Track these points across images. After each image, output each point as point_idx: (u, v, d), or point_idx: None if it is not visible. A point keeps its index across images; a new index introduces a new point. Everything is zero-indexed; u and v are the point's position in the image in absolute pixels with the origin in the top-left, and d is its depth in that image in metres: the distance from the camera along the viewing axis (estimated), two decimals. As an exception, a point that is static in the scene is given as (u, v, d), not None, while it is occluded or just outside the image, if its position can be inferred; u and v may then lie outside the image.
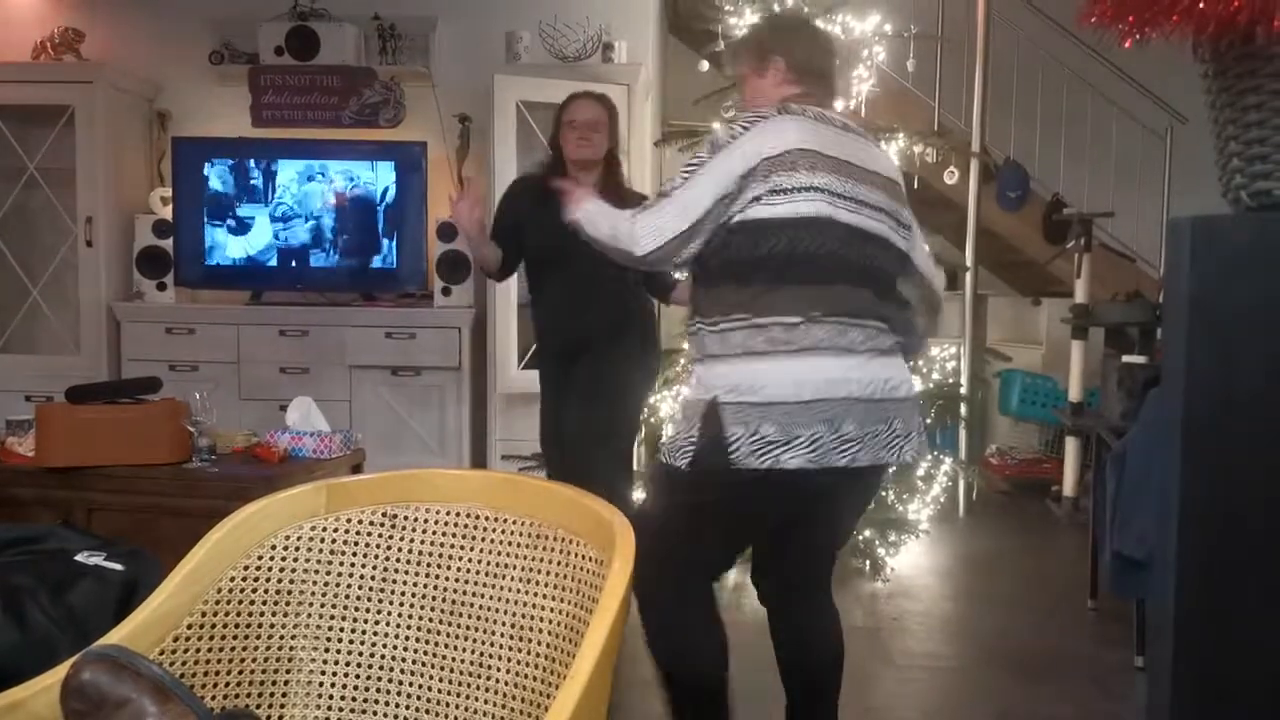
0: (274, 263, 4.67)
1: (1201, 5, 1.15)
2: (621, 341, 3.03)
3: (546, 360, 3.18)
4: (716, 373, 1.80)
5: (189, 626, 1.39)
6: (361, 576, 1.50)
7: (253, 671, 1.44)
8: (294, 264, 4.67)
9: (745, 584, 2.24)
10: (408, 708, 1.46)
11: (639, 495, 3.08)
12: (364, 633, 1.48)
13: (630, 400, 3.06)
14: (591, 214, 1.96)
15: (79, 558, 1.89)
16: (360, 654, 1.48)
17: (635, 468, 3.47)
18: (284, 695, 1.46)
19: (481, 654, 1.42)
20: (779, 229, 1.78)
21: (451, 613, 1.46)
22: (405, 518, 1.51)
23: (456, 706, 1.43)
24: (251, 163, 4.65)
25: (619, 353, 3.02)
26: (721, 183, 1.79)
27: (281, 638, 1.46)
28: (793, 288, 1.79)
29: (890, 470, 1.95)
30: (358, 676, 1.47)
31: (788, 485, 1.77)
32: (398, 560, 1.50)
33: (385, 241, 4.66)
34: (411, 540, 1.50)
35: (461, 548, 1.48)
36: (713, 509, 1.85)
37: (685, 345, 1.97)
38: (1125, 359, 3.38)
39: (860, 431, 1.78)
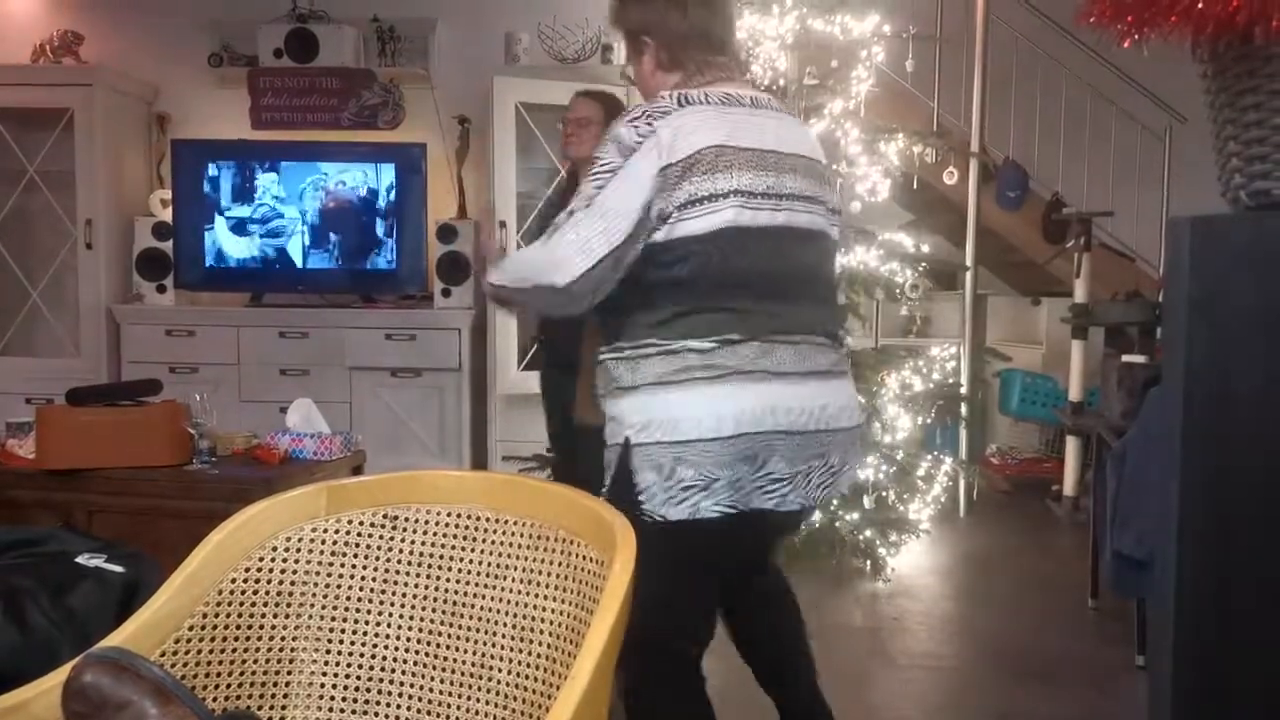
0: (274, 265, 4.67)
1: (1200, 5, 1.15)
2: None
3: (546, 371, 3.17)
4: (625, 408, 1.59)
5: (190, 628, 1.39)
6: (362, 578, 1.50)
7: (254, 673, 1.44)
8: (294, 266, 4.67)
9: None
10: (409, 709, 1.46)
11: None
12: (365, 634, 1.48)
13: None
14: (504, 269, 1.67)
15: (80, 560, 1.89)
16: (361, 655, 1.48)
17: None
18: (285, 697, 1.46)
19: (482, 655, 1.42)
20: (694, 244, 1.56)
21: (452, 614, 1.46)
22: (406, 519, 1.51)
23: (458, 708, 1.43)
24: (251, 165, 4.65)
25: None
26: (644, 185, 1.54)
27: (282, 639, 1.46)
28: (710, 308, 1.57)
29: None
30: (359, 678, 1.47)
31: (706, 536, 1.56)
32: (398, 562, 1.50)
33: (385, 243, 4.66)
34: (412, 542, 1.50)
35: (462, 549, 1.48)
36: (657, 571, 1.43)
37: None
38: (1125, 358, 3.38)
39: (790, 470, 1.57)
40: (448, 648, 1.45)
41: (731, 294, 1.58)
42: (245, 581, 1.45)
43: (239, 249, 4.67)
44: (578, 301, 1.59)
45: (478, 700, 1.42)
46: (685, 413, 1.54)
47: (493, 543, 1.47)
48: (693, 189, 1.54)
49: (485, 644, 1.43)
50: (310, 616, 1.48)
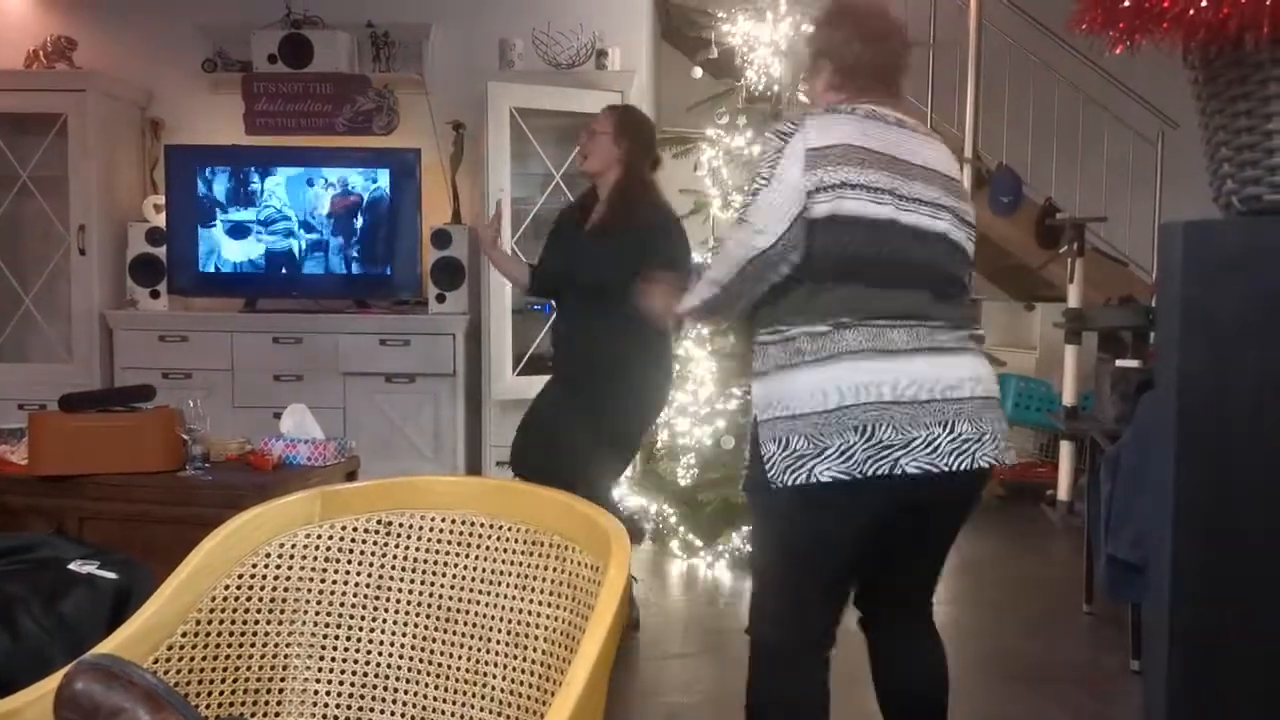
0: (267, 270, 4.66)
1: (1191, 12, 1.16)
2: (575, 387, 3.05)
3: (552, 381, 3.22)
4: (756, 392, 1.76)
5: (183, 635, 1.38)
6: (356, 584, 1.49)
7: (247, 680, 1.43)
8: (287, 271, 4.67)
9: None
10: (403, 715, 1.45)
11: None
12: (359, 640, 1.48)
13: (568, 440, 3.00)
14: (703, 285, 1.85)
15: (72, 566, 1.88)
16: (355, 662, 1.47)
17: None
18: (278, 704, 1.45)
19: (477, 661, 1.42)
20: (821, 230, 1.69)
21: (447, 620, 1.46)
22: (400, 525, 1.51)
23: (452, 714, 1.43)
24: (245, 170, 4.65)
25: (583, 394, 3.01)
26: (802, 166, 1.69)
27: (276, 646, 1.46)
28: (827, 293, 1.70)
29: (975, 479, 1.76)
30: (352, 684, 1.47)
31: (826, 501, 1.68)
32: (392, 568, 1.49)
33: (379, 248, 4.66)
34: (406, 547, 1.50)
35: (456, 555, 1.48)
36: (780, 535, 1.78)
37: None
38: (1119, 363, 3.39)
39: (900, 437, 1.65)
40: (442, 654, 1.45)
41: (848, 278, 1.70)
42: (238, 588, 1.44)
43: (233, 254, 4.67)
44: (778, 269, 1.73)
45: (472, 706, 1.41)
46: (797, 390, 1.68)
47: (487, 548, 1.46)
48: (819, 178, 1.68)
49: (479, 650, 1.42)
50: (304, 623, 1.47)
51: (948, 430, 1.68)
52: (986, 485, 1.84)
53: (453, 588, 1.47)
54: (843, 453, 1.65)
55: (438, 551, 1.49)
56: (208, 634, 1.40)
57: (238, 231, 4.66)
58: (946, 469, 1.68)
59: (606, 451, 3.06)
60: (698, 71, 4.77)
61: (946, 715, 1.95)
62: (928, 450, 1.67)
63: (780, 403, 1.70)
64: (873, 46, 1.85)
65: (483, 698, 1.40)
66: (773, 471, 1.69)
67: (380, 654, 1.47)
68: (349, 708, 1.46)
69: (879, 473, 1.65)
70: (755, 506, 1.82)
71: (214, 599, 1.42)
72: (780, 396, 1.70)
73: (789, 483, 1.67)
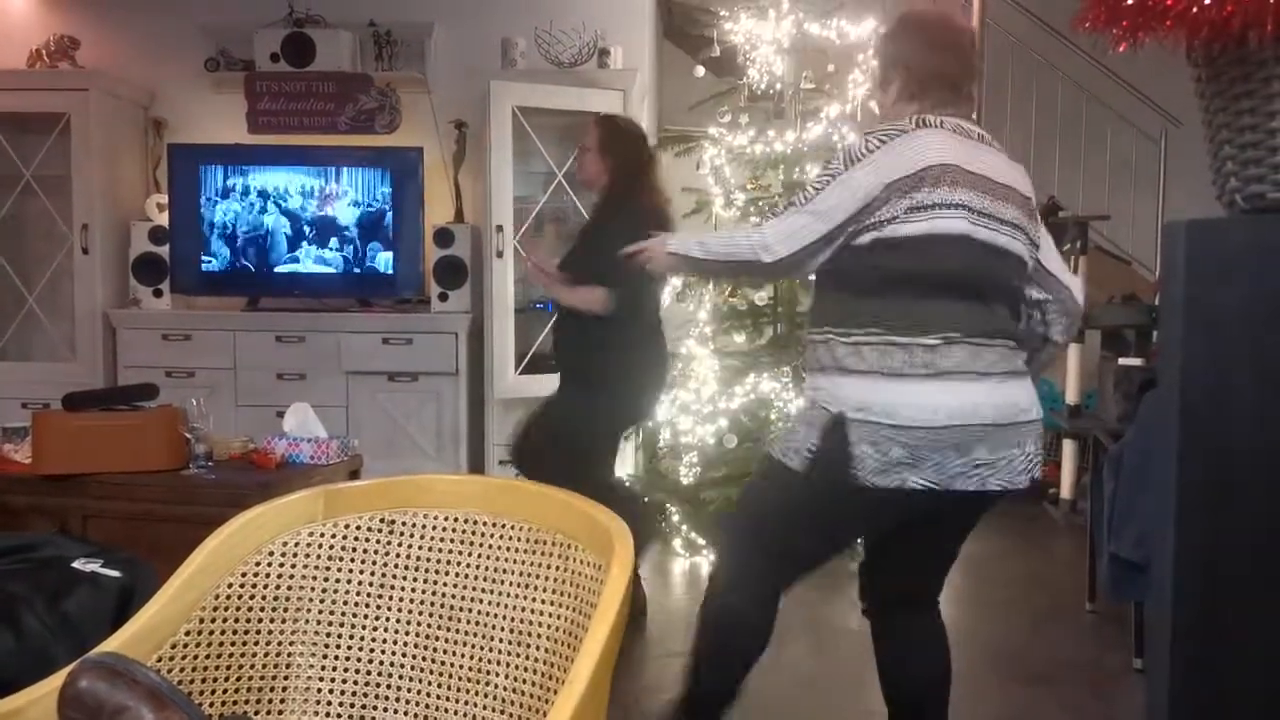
0: (270, 269, 4.67)
1: (1195, 10, 1.16)
2: (569, 380, 3.19)
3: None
4: (846, 387, 1.77)
5: (186, 633, 1.38)
6: (359, 582, 1.50)
7: (251, 678, 1.44)
8: (290, 270, 4.67)
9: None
10: (406, 714, 1.46)
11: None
12: (362, 639, 1.48)
13: (563, 432, 3.14)
14: (696, 243, 1.94)
15: (75, 565, 1.89)
16: (359, 660, 1.48)
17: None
18: (282, 702, 1.45)
19: (480, 659, 1.42)
20: (919, 245, 1.75)
21: (450, 618, 1.46)
22: (403, 523, 1.51)
23: (455, 712, 1.43)
24: (247, 169, 4.65)
25: (567, 391, 3.19)
26: (857, 194, 1.76)
27: (279, 644, 1.46)
28: (932, 305, 1.76)
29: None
30: (356, 683, 1.47)
31: (902, 503, 1.76)
32: (396, 566, 1.50)
33: (381, 247, 4.66)
34: (409, 546, 1.50)
35: (459, 553, 1.48)
36: (818, 512, 1.83)
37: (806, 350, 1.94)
38: (1122, 362, 3.39)
39: (992, 456, 1.76)
40: (445, 652, 1.45)
41: (953, 294, 1.77)
42: (242, 586, 1.44)
43: (236, 253, 4.67)
44: (777, 275, 1.94)
45: (475, 705, 1.41)
46: (904, 401, 1.73)
47: (490, 547, 1.47)
48: (920, 197, 1.74)
49: (483, 648, 1.43)
50: (307, 621, 1.48)
51: (1022, 450, 1.81)
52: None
53: (456, 586, 1.47)
54: (939, 467, 1.73)
55: (441, 550, 1.49)
56: (211, 632, 1.41)
57: (240, 230, 4.67)
58: (1015, 487, 1.82)
59: (599, 445, 3.14)
60: (700, 70, 4.77)
61: (948, 705, 2.02)
62: (1008, 468, 1.79)
63: (881, 409, 1.73)
64: (944, 54, 1.89)
65: (486, 696, 1.41)
66: (860, 470, 1.73)
67: (383, 652, 1.47)
68: (352, 706, 1.46)
69: (965, 488, 1.76)
70: (797, 480, 1.82)
71: (217, 597, 1.42)
72: (884, 402, 1.73)
73: (876, 484, 1.73)
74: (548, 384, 3.31)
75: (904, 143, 1.77)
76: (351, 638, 1.48)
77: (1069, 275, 1.99)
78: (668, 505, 4.21)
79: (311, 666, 1.47)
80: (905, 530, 1.90)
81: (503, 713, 1.38)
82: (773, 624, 1.94)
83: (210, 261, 4.67)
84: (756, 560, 1.91)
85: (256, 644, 1.44)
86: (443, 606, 1.47)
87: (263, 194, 4.66)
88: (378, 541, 1.51)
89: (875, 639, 2.06)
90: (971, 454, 1.74)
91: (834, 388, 1.79)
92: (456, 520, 1.49)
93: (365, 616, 1.49)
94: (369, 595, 1.49)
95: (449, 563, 1.48)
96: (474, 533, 1.48)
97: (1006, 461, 1.78)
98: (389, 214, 4.64)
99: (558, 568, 1.39)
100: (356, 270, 4.67)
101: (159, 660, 1.35)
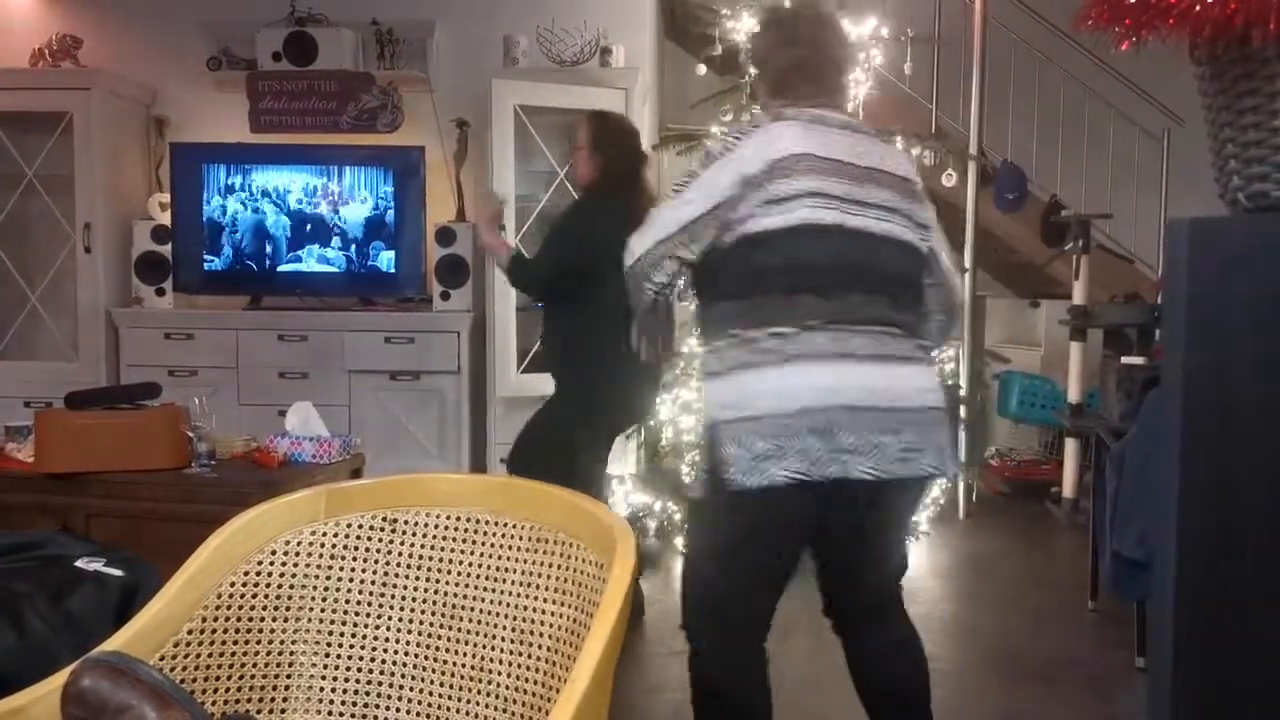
0: (272, 268, 4.67)
1: (1198, 8, 1.16)
2: (555, 384, 3.25)
3: None
4: (713, 392, 1.76)
5: (189, 632, 1.39)
6: (362, 581, 1.50)
7: (253, 677, 1.44)
8: (292, 269, 4.67)
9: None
10: (408, 712, 1.46)
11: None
12: (364, 638, 1.48)
13: (546, 423, 3.22)
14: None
15: (78, 564, 1.89)
16: (361, 659, 1.48)
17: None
18: (284, 700, 1.45)
19: (482, 658, 1.42)
20: (776, 240, 1.72)
21: (452, 617, 1.46)
22: (405, 522, 1.51)
23: (457, 711, 1.43)
24: (249, 168, 4.66)
25: (553, 395, 3.26)
26: (713, 194, 1.74)
27: (282, 643, 1.46)
28: (790, 299, 1.72)
29: (917, 486, 1.82)
30: (358, 681, 1.47)
31: (783, 501, 1.69)
32: (398, 565, 1.50)
33: (383, 246, 4.66)
34: (411, 545, 1.50)
35: (461, 552, 1.48)
36: (731, 536, 1.78)
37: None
38: (1124, 360, 3.39)
39: (859, 441, 1.68)
40: (447, 651, 1.45)
41: (815, 285, 1.73)
42: (244, 585, 1.45)
43: (238, 252, 4.67)
44: (640, 283, 1.83)
45: (477, 703, 1.42)
46: (759, 391, 1.69)
47: (492, 546, 1.47)
48: (775, 190, 1.72)
49: (485, 647, 1.43)
50: (309, 620, 1.48)
51: (897, 438, 1.72)
52: (926, 494, 1.88)
53: (458, 585, 1.47)
54: (801, 454, 1.67)
55: (443, 549, 1.49)
56: (214, 631, 1.41)
57: (243, 229, 4.67)
58: (889, 474, 1.71)
59: (573, 453, 3.14)
60: (702, 68, 4.77)
61: (930, 705, 1.96)
62: (878, 455, 1.70)
63: (742, 404, 1.70)
64: (801, 48, 1.89)
65: (488, 694, 1.41)
66: (733, 473, 1.68)
67: (385, 651, 1.48)
68: (354, 704, 1.47)
69: (833, 475, 1.67)
70: (705, 506, 1.80)
71: (220, 596, 1.42)
72: (740, 398, 1.70)
73: (748, 485, 1.67)
74: (549, 383, 3.31)
75: (758, 137, 1.76)
76: (354, 636, 1.48)
77: (952, 269, 1.97)
78: (668, 504, 4.21)
79: (314, 665, 1.47)
80: (824, 536, 1.82)
81: (505, 711, 1.38)
82: (765, 686, 1.85)
83: (212, 260, 4.67)
84: (718, 630, 1.84)
85: (259, 643, 1.44)
86: (445, 605, 1.47)
87: (265, 193, 4.66)
88: (380, 540, 1.51)
89: (846, 656, 1.99)
90: (835, 439, 1.67)
91: (708, 396, 1.77)
92: (458, 519, 1.50)
93: (367, 615, 1.49)
94: (371, 594, 1.49)
95: (451, 561, 1.48)
96: (476, 531, 1.48)
97: (874, 448, 1.69)
98: (391, 213, 4.65)
99: (560, 566, 1.39)
100: (358, 269, 4.67)
101: (161, 659, 1.35)
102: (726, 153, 1.77)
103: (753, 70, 2.01)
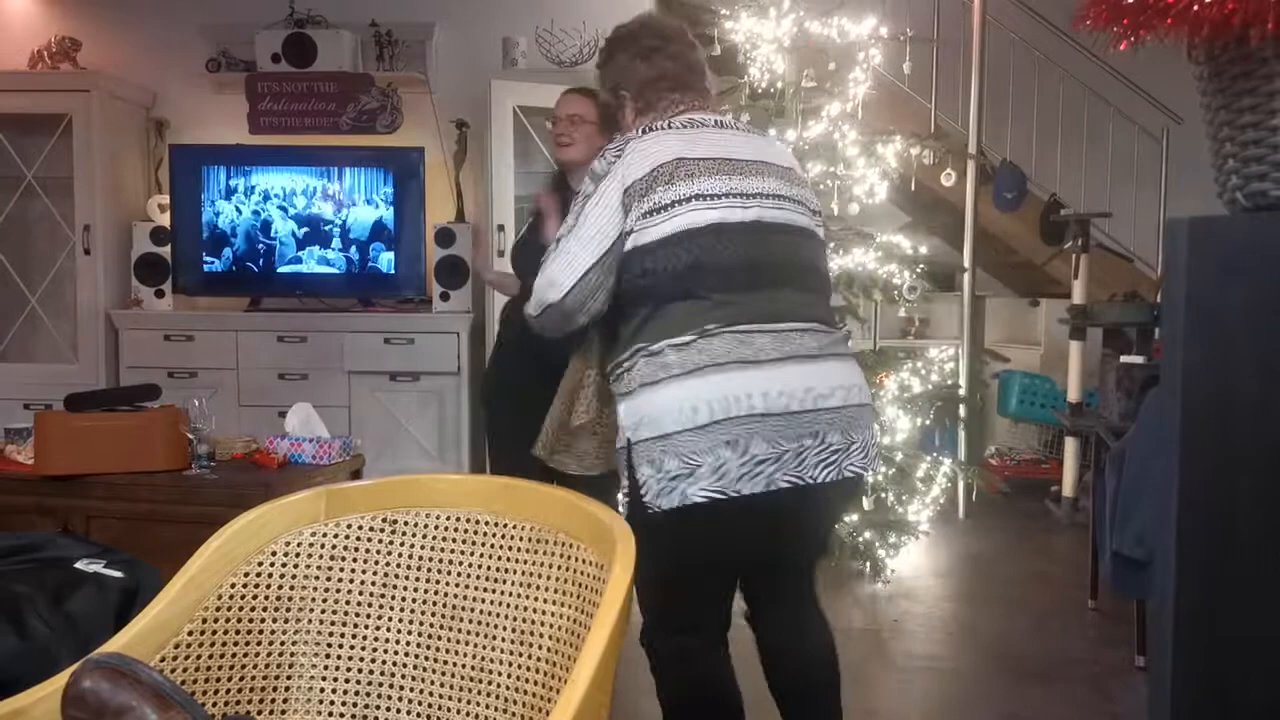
0: (272, 269, 4.67)
1: (1196, 8, 1.16)
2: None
3: (506, 394, 2.95)
4: (624, 412, 1.69)
5: (189, 634, 1.39)
6: (362, 582, 1.50)
7: (253, 678, 1.44)
8: (292, 270, 4.67)
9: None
10: (409, 713, 1.46)
11: None
12: (365, 639, 1.48)
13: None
14: (532, 298, 1.79)
15: (78, 565, 1.89)
16: (361, 660, 1.48)
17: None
18: (285, 702, 1.45)
19: (482, 659, 1.42)
20: (665, 247, 1.67)
21: (452, 618, 1.46)
22: (405, 523, 1.51)
23: (458, 712, 1.43)
24: (249, 169, 4.66)
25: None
26: (610, 209, 1.70)
27: (282, 644, 1.46)
28: (683, 305, 1.66)
29: (848, 485, 1.73)
30: (359, 682, 1.47)
31: (701, 522, 1.62)
32: (398, 566, 1.50)
33: (383, 247, 4.66)
34: (411, 546, 1.50)
35: (461, 553, 1.48)
36: (660, 555, 1.59)
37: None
38: (1123, 359, 3.39)
39: (773, 450, 1.61)
40: (447, 651, 1.45)
41: (704, 289, 1.67)
42: (244, 586, 1.45)
43: (237, 254, 4.67)
44: (572, 317, 1.72)
45: (477, 704, 1.42)
46: (666, 407, 1.62)
47: (492, 546, 1.47)
48: (656, 198, 1.68)
49: (485, 647, 1.43)
50: (310, 621, 1.48)
51: (818, 440, 1.65)
52: (858, 493, 1.82)
53: (458, 585, 1.47)
54: (715, 470, 1.60)
55: (443, 550, 1.49)
56: (214, 632, 1.41)
57: (241, 231, 4.67)
58: (814, 480, 1.65)
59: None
60: (701, 69, 4.76)
61: (839, 696, 1.91)
62: (797, 463, 1.63)
63: (650, 422, 1.63)
64: (658, 59, 1.87)
65: (488, 695, 1.41)
66: (647, 495, 1.62)
67: (386, 652, 1.48)
68: (355, 705, 1.47)
69: (753, 490, 1.61)
70: (634, 528, 1.74)
71: (220, 597, 1.42)
72: (649, 415, 1.63)
73: (662, 506, 1.61)
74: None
75: (632, 149, 1.73)
76: (354, 637, 1.48)
77: None
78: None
79: (314, 666, 1.47)
80: (747, 542, 1.73)
81: (505, 712, 1.38)
82: (732, 686, 1.81)
83: (212, 262, 4.67)
84: (672, 643, 1.79)
85: (259, 644, 1.44)
86: (445, 606, 1.47)
87: (264, 194, 4.66)
88: (380, 541, 1.51)
89: (757, 645, 1.93)
90: (748, 451, 1.59)
91: (620, 418, 1.70)
92: (458, 520, 1.50)
93: (367, 616, 1.49)
94: (371, 595, 1.49)
95: (451, 562, 1.48)
96: (476, 532, 1.48)
97: (795, 455, 1.62)
98: (390, 214, 4.65)
99: (560, 567, 1.39)
100: (358, 270, 4.67)
101: (162, 660, 1.35)
102: (608, 169, 1.73)
103: (613, 97, 1.92)
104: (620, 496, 1.71)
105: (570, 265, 1.69)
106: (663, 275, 1.67)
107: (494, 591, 1.44)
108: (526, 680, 1.37)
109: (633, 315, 1.71)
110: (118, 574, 1.88)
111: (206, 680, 1.40)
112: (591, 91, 2.85)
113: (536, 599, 1.40)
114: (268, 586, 1.46)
